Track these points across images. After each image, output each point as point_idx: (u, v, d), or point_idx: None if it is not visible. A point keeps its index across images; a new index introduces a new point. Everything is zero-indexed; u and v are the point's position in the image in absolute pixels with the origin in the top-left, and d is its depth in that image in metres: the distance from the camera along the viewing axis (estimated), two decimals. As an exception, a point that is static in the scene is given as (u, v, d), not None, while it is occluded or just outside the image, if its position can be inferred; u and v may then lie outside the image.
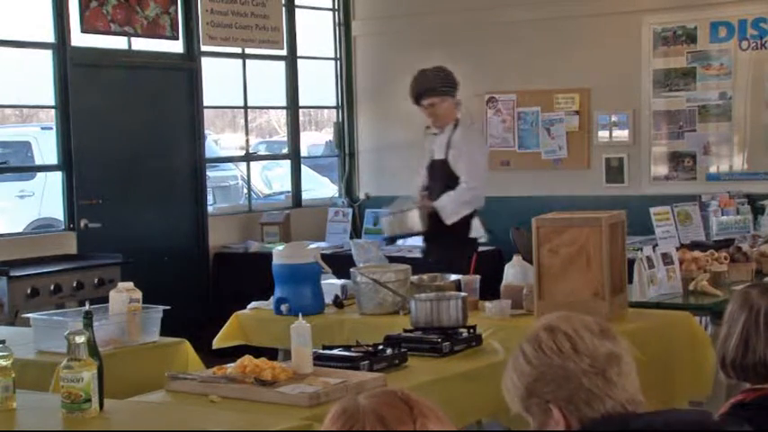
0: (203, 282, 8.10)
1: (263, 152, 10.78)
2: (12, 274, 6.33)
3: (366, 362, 3.61)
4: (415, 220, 6.23)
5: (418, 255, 8.04)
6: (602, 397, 2.09)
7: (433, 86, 6.37)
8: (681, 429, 2.08)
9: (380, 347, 3.81)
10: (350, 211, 9.10)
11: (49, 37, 7.36)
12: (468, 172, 6.23)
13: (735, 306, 2.69)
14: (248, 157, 9.19)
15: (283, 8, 8.95)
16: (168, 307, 4.41)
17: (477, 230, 6.35)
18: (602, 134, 8.55)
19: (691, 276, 5.39)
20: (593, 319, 2.19)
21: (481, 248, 8.11)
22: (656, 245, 5.99)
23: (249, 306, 5.28)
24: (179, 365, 4.18)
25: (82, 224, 7.42)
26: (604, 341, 2.14)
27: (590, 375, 2.09)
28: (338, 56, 9.68)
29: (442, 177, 6.27)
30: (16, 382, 3.18)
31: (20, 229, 8.85)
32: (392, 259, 6.55)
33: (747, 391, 2.64)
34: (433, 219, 6.19)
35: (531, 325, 2.25)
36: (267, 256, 5.32)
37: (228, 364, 3.54)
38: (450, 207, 6.20)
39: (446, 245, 6.21)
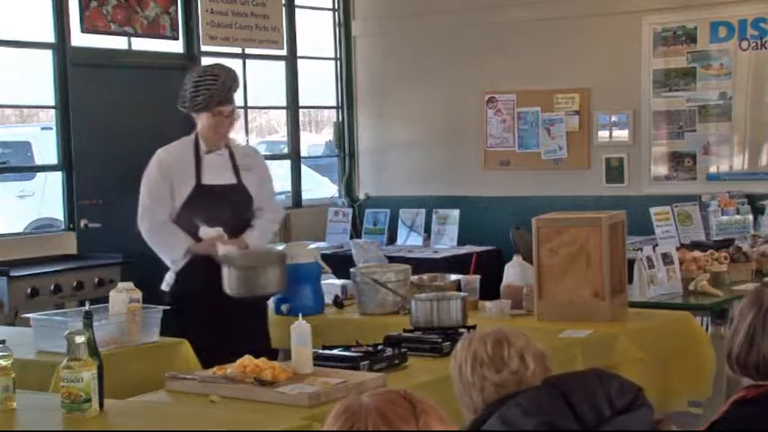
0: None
1: (263, 152, 10.77)
2: (12, 274, 6.34)
3: (366, 362, 3.61)
4: (274, 277, 4.73)
5: (419, 255, 8.07)
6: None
7: (235, 90, 5.07)
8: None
9: (380, 347, 3.81)
10: (350, 211, 9.10)
11: (49, 37, 7.36)
12: (273, 204, 5.28)
13: (746, 303, 2.70)
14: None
15: (283, 8, 8.96)
16: (168, 307, 4.41)
17: None
18: (602, 134, 8.55)
19: (691, 276, 5.40)
20: (497, 341, 2.48)
21: (481, 248, 8.16)
22: (656, 245, 5.99)
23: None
24: (179, 365, 4.18)
25: (82, 224, 7.42)
26: (485, 371, 2.44)
27: (467, 399, 2.46)
28: (338, 56, 9.68)
29: (230, 205, 4.97)
30: (16, 382, 3.18)
31: (20, 229, 8.84)
32: (392, 259, 6.55)
33: (749, 387, 2.64)
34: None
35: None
36: (267, 256, 5.31)
37: (228, 364, 3.53)
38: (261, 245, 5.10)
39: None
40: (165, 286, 4.96)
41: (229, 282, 4.62)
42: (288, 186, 9.48)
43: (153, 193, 5.01)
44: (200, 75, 5.01)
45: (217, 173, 4.98)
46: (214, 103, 4.93)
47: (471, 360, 2.46)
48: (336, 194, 9.74)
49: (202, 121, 4.98)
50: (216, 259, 4.69)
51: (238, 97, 8.78)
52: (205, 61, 8.32)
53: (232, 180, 4.99)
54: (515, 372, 2.42)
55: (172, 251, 4.90)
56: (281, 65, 9.15)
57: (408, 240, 8.67)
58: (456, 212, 8.55)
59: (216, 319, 4.75)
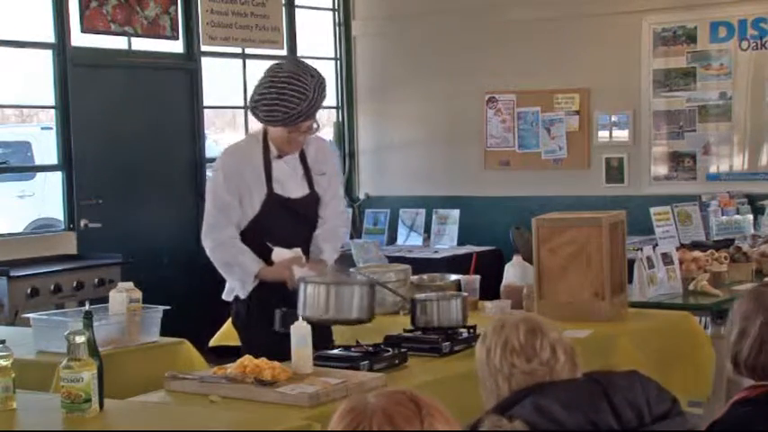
0: (203, 282, 8.07)
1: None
2: (12, 274, 6.34)
3: (366, 362, 3.60)
4: (364, 302, 3.88)
5: (419, 255, 8.07)
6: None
7: (321, 104, 4.34)
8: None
9: (380, 347, 3.81)
10: (350, 211, 9.10)
11: (49, 37, 7.36)
12: (342, 207, 4.57)
13: (751, 305, 2.68)
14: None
15: (283, 8, 8.96)
16: (168, 307, 4.41)
17: None
18: (602, 134, 8.55)
19: (691, 276, 5.40)
20: (530, 330, 2.42)
21: (481, 248, 8.16)
22: (656, 245, 5.98)
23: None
24: (179, 365, 4.17)
25: (82, 224, 7.42)
26: (515, 359, 2.39)
27: (492, 388, 2.43)
28: (338, 56, 9.68)
29: (303, 219, 4.35)
30: (16, 382, 3.18)
31: (20, 229, 8.84)
32: (392, 259, 6.56)
33: (750, 387, 2.64)
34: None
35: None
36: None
37: (228, 364, 3.53)
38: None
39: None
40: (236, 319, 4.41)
41: (313, 303, 3.81)
42: (288, 186, 9.47)
43: (219, 205, 4.27)
44: (285, 84, 4.19)
45: (287, 182, 4.30)
46: (295, 121, 4.20)
47: (502, 346, 2.42)
48: (336, 194, 9.73)
49: (276, 131, 4.26)
50: (290, 285, 4.05)
51: (238, 97, 8.85)
52: (205, 61, 8.33)
53: (305, 190, 4.33)
54: (545, 363, 2.38)
55: (239, 276, 4.27)
56: (281, 65, 9.14)
57: (408, 240, 8.67)
58: (456, 212, 8.55)
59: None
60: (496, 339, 2.44)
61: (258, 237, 4.25)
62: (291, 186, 4.31)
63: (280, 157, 4.30)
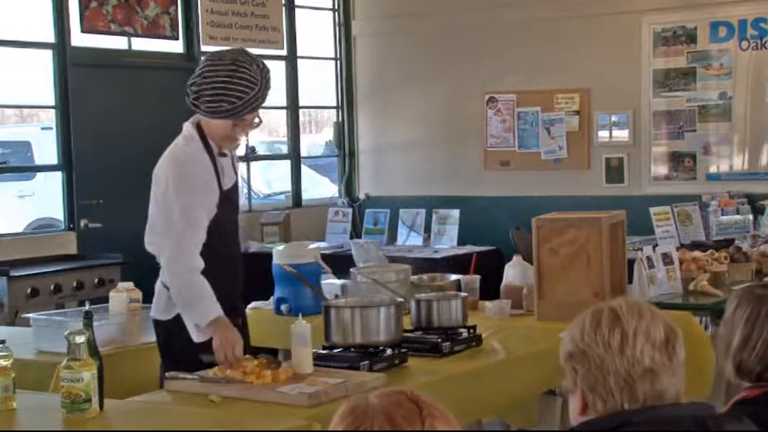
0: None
1: (263, 152, 10.77)
2: (12, 274, 6.34)
3: (366, 362, 3.60)
4: (381, 321, 3.79)
5: (419, 255, 8.07)
6: (619, 402, 2.09)
7: (266, 94, 3.91)
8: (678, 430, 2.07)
9: (380, 347, 3.81)
10: (350, 211, 9.10)
11: (49, 37, 7.37)
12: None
13: (754, 309, 2.62)
14: (248, 158, 9.19)
15: (283, 8, 8.96)
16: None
17: None
18: (602, 134, 8.55)
19: (691, 276, 5.40)
20: (667, 325, 2.13)
21: (481, 248, 8.16)
22: (656, 245, 5.98)
23: (249, 306, 5.26)
24: (179, 365, 4.17)
25: (82, 224, 7.43)
26: (656, 354, 2.09)
27: (619, 380, 2.09)
28: (338, 56, 9.68)
29: (237, 208, 4.13)
30: (16, 382, 3.18)
31: (20, 229, 8.84)
32: (392, 259, 6.55)
33: (750, 388, 2.63)
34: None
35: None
36: (267, 256, 5.31)
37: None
38: None
39: None
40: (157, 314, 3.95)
41: (338, 329, 3.72)
42: (288, 186, 9.49)
43: (192, 223, 3.80)
44: (230, 73, 3.80)
45: (228, 175, 3.97)
46: (241, 113, 3.82)
47: (644, 335, 2.09)
48: (336, 194, 9.74)
49: (216, 126, 3.89)
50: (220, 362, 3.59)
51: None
52: (205, 61, 8.32)
53: (233, 178, 4.03)
54: (681, 363, 2.12)
55: (194, 318, 3.72)
56: (281, 65, 9.15)
57: (408, 240, 8.67)
58: (456, 212, 8.55)
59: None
60: (636, 324, 2.10)
61: (210, 240, 3.84)
62: (229, 177, 3.98)
63: (222, 154, 3.95)
